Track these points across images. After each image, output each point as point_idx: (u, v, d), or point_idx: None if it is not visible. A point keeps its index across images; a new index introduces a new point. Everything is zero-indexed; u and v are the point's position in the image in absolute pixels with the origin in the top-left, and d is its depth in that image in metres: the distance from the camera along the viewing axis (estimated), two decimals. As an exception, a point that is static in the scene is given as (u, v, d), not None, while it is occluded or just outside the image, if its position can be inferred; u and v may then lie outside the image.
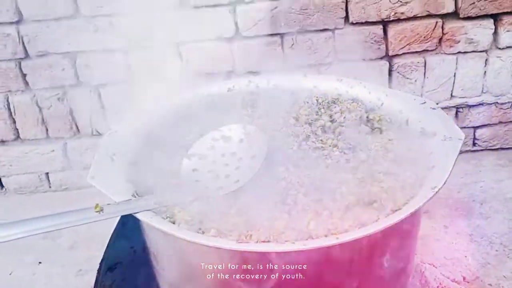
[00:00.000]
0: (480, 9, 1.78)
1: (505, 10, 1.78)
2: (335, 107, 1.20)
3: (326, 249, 0.81)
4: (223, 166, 1.01)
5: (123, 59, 1.83)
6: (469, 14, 1.78)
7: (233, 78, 1.33)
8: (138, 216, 0.84)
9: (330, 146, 1.08)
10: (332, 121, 1.17)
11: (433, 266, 1.23)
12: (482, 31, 1.81)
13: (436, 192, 0.86)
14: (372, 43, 1.84)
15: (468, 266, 1.53)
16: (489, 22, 1.81)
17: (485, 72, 1.88)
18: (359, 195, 0.92)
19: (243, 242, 0.78)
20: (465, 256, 1.56)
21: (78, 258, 1.70)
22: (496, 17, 1.81)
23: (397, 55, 1.85)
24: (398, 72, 1.87)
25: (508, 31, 1.81)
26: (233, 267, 0.83)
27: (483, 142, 2.01)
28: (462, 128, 2.00)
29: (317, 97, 1.24)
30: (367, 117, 1.18)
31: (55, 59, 1.83)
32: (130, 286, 1.27)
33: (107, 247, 1.17)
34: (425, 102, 1.13)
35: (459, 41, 1.83)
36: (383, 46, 1.84)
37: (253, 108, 1.26)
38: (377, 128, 1.15)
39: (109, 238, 1.19)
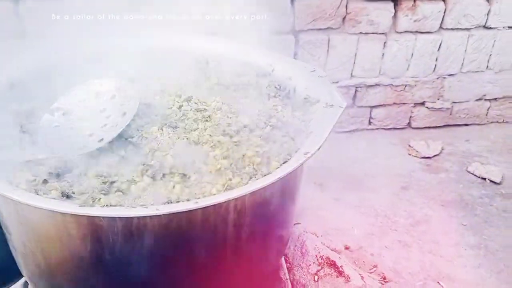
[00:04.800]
0: (382, -8, 1.75)
1: (405, -5, 1.78)
2: (226, 69, 1.09)
3: (187, 215, 0.70)
4: (89, 123, 0.86)
5: (12, 8, 1.57)
6: (372, -4, 1.75)
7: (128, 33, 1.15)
8: (-36, 173, 0.67)
9: (213, 109, 0.97)
10: (220, 84, 1.06)
11: (315, 235, 1.18)
12: (382, 13, 1.79)
13: (309, 158, 0.78)
14: (279, 16, 1.74)
15: (354, 236, 1.51)
16: (390, 5, 1.79)
17: (383, 54, 1.87)
18: (233, 158, 0.82)
19: (85, 206, 0.65)
20: (352, 227, 1.55)
21: None
22: (396, 1, 1.79)
23: (303, 30, 1.78)
24: (303, 48, 1.80)
25: (406, 15, 1.81)
26: (80, 233, 0.69)
27: (378, 121, 2.02)
28: (359, 107, 2.01)
29: (208, 58, 1.12)
30: (256, 82, 1.08)
31: None
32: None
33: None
34: (314, 70, 1.05)
35: (361, 22, 1.79)
36: (290, 20, 1.75)
37: (143, 66, 1.11)
38: (265, 93, 1.06)
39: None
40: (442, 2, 1.81)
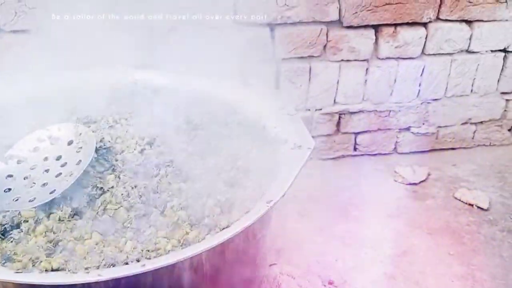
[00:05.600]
0: (362, 19, 1.71)
1: (385, 22, 1.74)
2: (194, 108, 1.04)
3: (136, 277, 0.64)
4: (43, 173, 0.80)
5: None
6: (352, 24, 1.71)
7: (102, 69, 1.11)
8: None
9: (178, 151, 0.92)
10: (188, 123, 1.01)
11: (292, 277, 1.12)
12: (363, 40, 1.75)
13: (272, 206, 0.72)
14: (260, 45, 1.70)
15: (338, 269, 1.44)
16: (371, 33, 1.75)
17: (365, 80, 1.82)
18: (192, 209, 0.76)
19: (22, 272, 0.59)
20: (336, 260, 1.48)
21: None
22: (377, 28, 1.75)
23: (284, 59, 1.74)
24: (285, 76, 1.76)
25: (387, 42, 1.77)
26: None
27: (363, 147, 1.96)
28: (344, 133, 1.96)
29: (176, 95, 1.07)
30: (226, 120, 1.03)
31: None
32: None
33: None
34: (284, 108, 1.00)
35: (342, 49, 1.75)
36: (270, 49, 1.71)
37: (106, 104, 1.06)
38: (234, 132, 1.01)
39: None
40: (423, 28, 1.77)
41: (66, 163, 0.81)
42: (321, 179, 1.83)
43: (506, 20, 1.82)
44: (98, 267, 0.62)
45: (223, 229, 0.71)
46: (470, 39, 1.83)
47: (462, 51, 1.85)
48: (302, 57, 1.74)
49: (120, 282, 0.63)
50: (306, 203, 1.71)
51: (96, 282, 0.61)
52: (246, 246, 0.80)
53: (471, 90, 1.94)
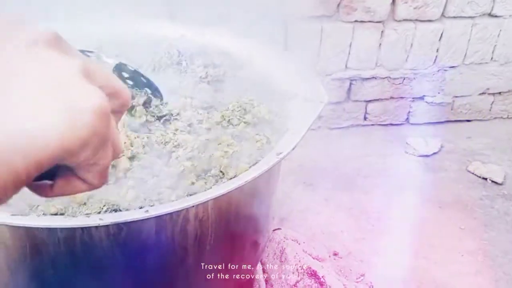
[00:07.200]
0: (379, -24, 1.68)
1: (404, -19, 1.70)
2: (198, 60, 1.02)
3: (139, 225, 0.64)
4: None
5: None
6: (368, -19, 1.68)
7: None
8: None
9: (183, 105, 0.91)
10: (193, 77, 0.99)
11: (297, 242, 1.13)
12: (380, 0, 1.72)
13: (281, 159, 0.72)
14: (267, 2, 1.67)
15: (343, 241, 1.46)
16: (387, -8, 1.72)
17: (380, 44, 1.80)
18: (198, 160, 0.75)
19: (18, 215, 0.59)
20: (342, 231, 1.49)
21: None
22: (394, -13, 1.72)
23: (294, 18, 1.71)
24: (295, 38, 1.73)
25: (405, 2, 1.74)
26: (17, 244, 0.63)
27: (374, 117, 1.95)
28: (354, 101, 1.95)
29: (179, 48, 1.05)
30: (233, 74, 1.02)
31: None
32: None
33: None
34: (293, 62, 0.98)
35: (356, 9, 1.72)
36: (281, 8, 1.68)
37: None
38: (241, 86, 0.99)
39: None
40: (444, -12, 1.74)
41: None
42: (329, 149, 1.83)
43: (534, -18, 1.78)
44: (99, 213, 0.62)
45: (230, 179, 0.70)
46: (493, 1, 1.80)
47: (484, 14, 1.81)
48: (313, 17, 1.71)
49: (121, 228, 0.63)
50: (312, 173, 1.71)
51: (96, 227, 0.61)
52: (253, 200, 0.80)
53: (491, 58, 1.91)
